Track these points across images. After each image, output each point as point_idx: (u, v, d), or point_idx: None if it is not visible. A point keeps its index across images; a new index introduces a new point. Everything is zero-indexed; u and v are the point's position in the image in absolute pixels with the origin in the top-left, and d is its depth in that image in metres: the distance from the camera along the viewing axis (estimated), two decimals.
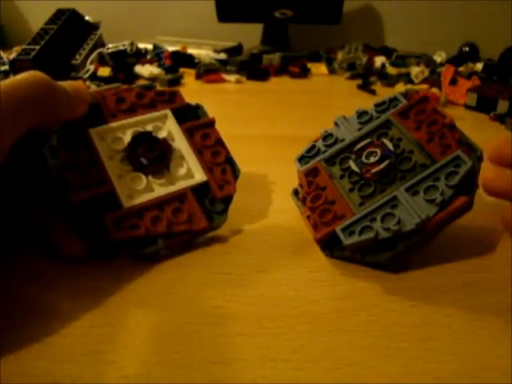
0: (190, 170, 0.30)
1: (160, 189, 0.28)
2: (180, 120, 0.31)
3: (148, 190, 0.28)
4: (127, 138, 0.29)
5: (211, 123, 0.32)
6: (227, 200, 0.30)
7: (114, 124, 0.29)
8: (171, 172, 0.29)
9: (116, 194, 0.27)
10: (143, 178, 0.28)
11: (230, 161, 0.31)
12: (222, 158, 0.31)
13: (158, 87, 0.33)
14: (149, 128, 0.30)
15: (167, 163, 0.29)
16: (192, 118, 0.32)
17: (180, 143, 0.30)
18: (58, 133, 0.27)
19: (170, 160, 0.29)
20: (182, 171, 0.29)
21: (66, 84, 0.26)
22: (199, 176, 0.30)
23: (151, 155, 0.29)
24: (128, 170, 0.28)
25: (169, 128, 0.31)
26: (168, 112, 0.31)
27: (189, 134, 0.31)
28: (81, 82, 0.28)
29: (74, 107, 0.26)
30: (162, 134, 0.30)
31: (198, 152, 0.30)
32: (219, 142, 0.31)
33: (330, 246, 0.28)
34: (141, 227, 0.26)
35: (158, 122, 0.31)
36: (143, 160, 0.28)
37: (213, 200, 0.29)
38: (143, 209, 0.27)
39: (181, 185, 0.29)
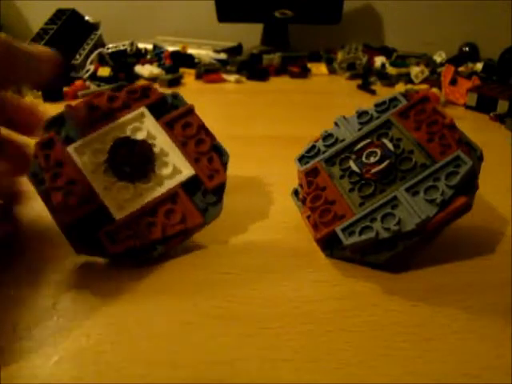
0: (176, 167, 0.29)
1: (149, 193, 0.28)
2: (158, 114, 0.30)
3: (137, 196, 0.27)
4: (107, 147, 0.28)
5: (190, 110, 0.30)
6: (219, 190, 0.29)
7: (91, 136, 0.28)
8: (157, 173, 0.28)
9: (105, 208, 0.26)
10: (130, 186, 0.28)
11: (215, 147, 0.30)
12: (206, 146, 0.29)
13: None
14: (128, 131, 0.29)
15: (151, 165, 0.28)
16: (170, 110, 0.30)
17: (161, 140, 0.29)
18: (37, 157, 0.27)
19: (154, 161, 0.28)
20: (168, 170, 0.28)
21: (29, 46, 0.26)
22: (187, 171, 0.29)
23: (132, 161, 0.28)
24: (113, 180, 0.28)
25: (148, 127, 0.30)
26: (144, 110, 0.30)
27: (169, 127, 0.30)
28: (47, 49, 0.28)
29: (36, 68, 0.26)
30: (141, 135, 0.29)
31: (182, 144, 0.29)
32: (202, 129, 0.30)
33: (330, 246, 0.28)
34: (136, 237, 0.26)
35: (136, 123, 0.30)
36: (126, 168, 0.28)
37: (205, 192, 0.28)
38: (135, 217, 0.27)
39: (169, 184, 0.28)
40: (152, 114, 0.30)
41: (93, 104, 0.29)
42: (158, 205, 0.27)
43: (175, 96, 0.31)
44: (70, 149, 0.28)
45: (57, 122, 0.29)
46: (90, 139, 0.28)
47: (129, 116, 0.30)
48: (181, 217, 0.27)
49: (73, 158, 0.27)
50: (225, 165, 0.30)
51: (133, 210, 0.27)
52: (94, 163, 0.28)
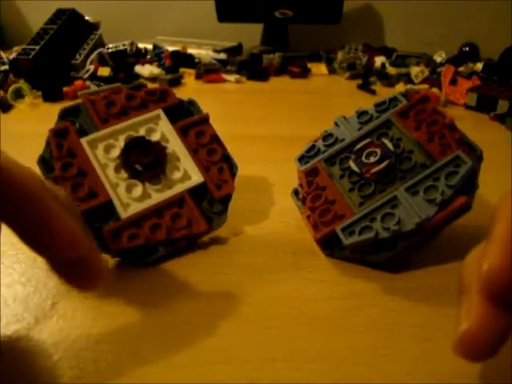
0: (187, 172, 0.29)
1: (157, 195, 0.28)
2: (173, 119, 0.30)
3: (145, 197, 0.28)
4: (120, 144, 0.29)
5: (205, 119, 0.31)
6: (226, 200, 0.29)
7: (105, 131, 0.29)
8: (167, 176, 0.29)
9: (112, 205, 0.27)
10: (139, 185, 0.28)
11: (226, 158, 0.30)
12: (217, 156, 0.30)
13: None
14: (142, 131, 0.30)
15: (162, 167, 0.29)
16: (185, 116, 0.31)
17: (174, 144, 0.30)
18: (49, 144, 0.27)
19: (165, 163, 0.29)
20: (179, 174, 0.29)
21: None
22: (196, 177, 0.29)
23: (145, 161, 0.28)
24: (123, 177, 0.28)
25: (162, 129, 0.30)
26: (160, 112, 0.30)
27: (182, 133, 0.30)
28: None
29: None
30: (155, 137, 0.29)
31: (194, 151, 0.30)
32: (214, 139, 0.31)
33: (330, 245, 0.28)
34: (140, 236, 0.26)
35: (151, 124, 0.30)
36: (138, 167, 0.28)
37: (211, 201, 0.29)
38: (142, 217, 0.27)
39: (178, 188, 0.28)
40: (167, 118, 0.30)
41: (110, 99, 0.30)
42: (164, 208, 0.27)
43: (192, 103, 0.32)
44: (83, 141, 0.28)
45: (73, 112, 0.29)
46: (103, 134, 0.29)
47: (145, 116, 0.30)
48: (186, 222, 0.27)
49: (85, 150, 0.28)
50: (233, 176, 0.30)
51: (139, 209, 0.27)
52: (106, 158, 0.28)
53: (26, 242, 0.17)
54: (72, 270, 0.18)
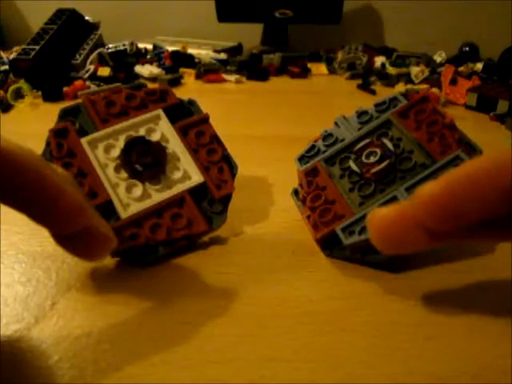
0: (187, 172, 0.29)
1: (157, 195, 0.28)
2: (173, 118, 0.30)
3: (145, 197, 0.28)
4: (120, 144, 0.29)
5: (205, 119, 0.31)
6: (226, 200, 0.29)
7: (105, 131, 0.29)
8: (167, 176, 0.29)
9: (112, 205, 0.27)
10: (139, 185, 0.28)
11: (226, 158, 0.30)
12: (217, 156, 0.30)
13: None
14: (142, 131, 0.29)
15: (163, 167, 0.28)
16: (185, 116, 0.31)
17: (174, 144, 0.30)
18: (49, 145, 0.27)
19: (165, 163, 0.29)
20: (179, 174, 0.29)
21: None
22: (196, 177, 0.29)
23: (145, 161, 0.28)
24: (123, 177, 0.28)
25: (162, 129, 0.30)
26: (160, 112, 0.30)
27: (183, 133, 0.30)
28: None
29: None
30: (155, 137, 0.29)
31: (194, 151, 0.30)
32: (214, 139, 0.31)
33: (330, 245, 0.28)
34: (140, 236, 0.26)
35: (151, 124, 0.30)
36: (138, 166, 0.28)
37: (211, 201, 0.29)
38: (142, 217, 0.27)
39: (178, 188, 0.28)
40: (167, 118, 0.30)
41: (110, 99, 0.30)
42: (164, 208, 0.27)
43: (192, 103, 0.32)
44: (83, 141, 0.28)
45: (73, 112, 0.29)
46: (103, 134, 0.29)
47: (145, 116, 0.30)
48: (186, 222, 0.27)
49: (85, 150, 0.28)
50: (233, 176, 0.30)
51: (139, 209, 0.27)
52: (106, 158, 0.28)
53: (33, 217, 0.18)
54: (78, 240, 0.19)
